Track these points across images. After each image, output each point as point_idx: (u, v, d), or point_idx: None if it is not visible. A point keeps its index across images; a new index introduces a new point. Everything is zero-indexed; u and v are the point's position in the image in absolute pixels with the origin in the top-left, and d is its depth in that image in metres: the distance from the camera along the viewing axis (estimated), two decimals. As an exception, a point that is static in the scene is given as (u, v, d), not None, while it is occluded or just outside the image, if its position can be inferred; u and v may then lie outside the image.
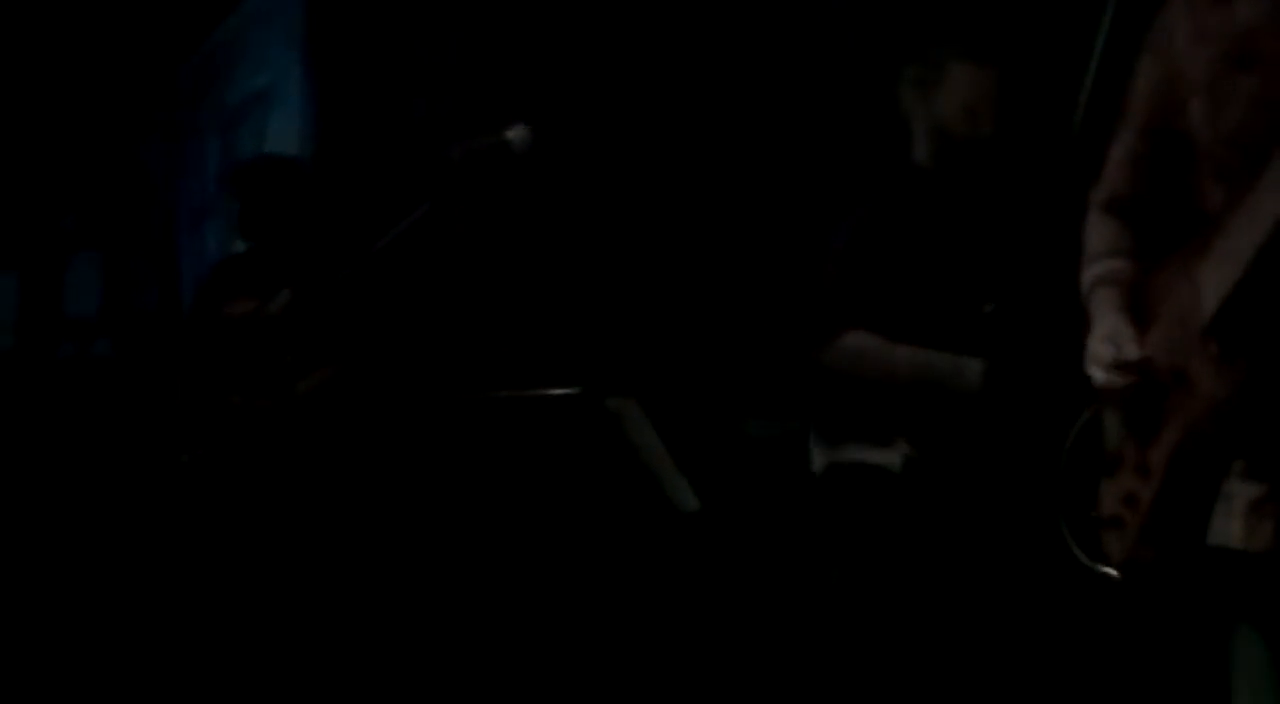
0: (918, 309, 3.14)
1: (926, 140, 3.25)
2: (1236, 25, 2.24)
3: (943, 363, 3.10)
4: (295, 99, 5.49)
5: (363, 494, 3.78)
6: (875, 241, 3.19)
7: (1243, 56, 2.22)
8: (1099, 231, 2.49)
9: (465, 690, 3.56)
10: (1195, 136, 2.30)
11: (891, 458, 3.13)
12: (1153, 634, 2.92)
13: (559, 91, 4.55)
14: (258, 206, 4.05)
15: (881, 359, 3.15)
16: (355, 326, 3.92)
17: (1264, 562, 2.19)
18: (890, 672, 3.08)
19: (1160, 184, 2.39)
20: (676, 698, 3.57)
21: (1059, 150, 2.53)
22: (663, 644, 3.56)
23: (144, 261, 6.91)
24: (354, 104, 5.20)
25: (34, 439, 5.37)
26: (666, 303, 4.35)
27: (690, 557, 3.59)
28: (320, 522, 3.73)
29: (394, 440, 3.91)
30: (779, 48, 4.28)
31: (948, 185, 3.21)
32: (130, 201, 6.95)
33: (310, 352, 3.85)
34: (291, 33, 5.55)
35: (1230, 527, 2.19)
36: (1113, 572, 2.30)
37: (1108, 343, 2.31)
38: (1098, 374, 2.31)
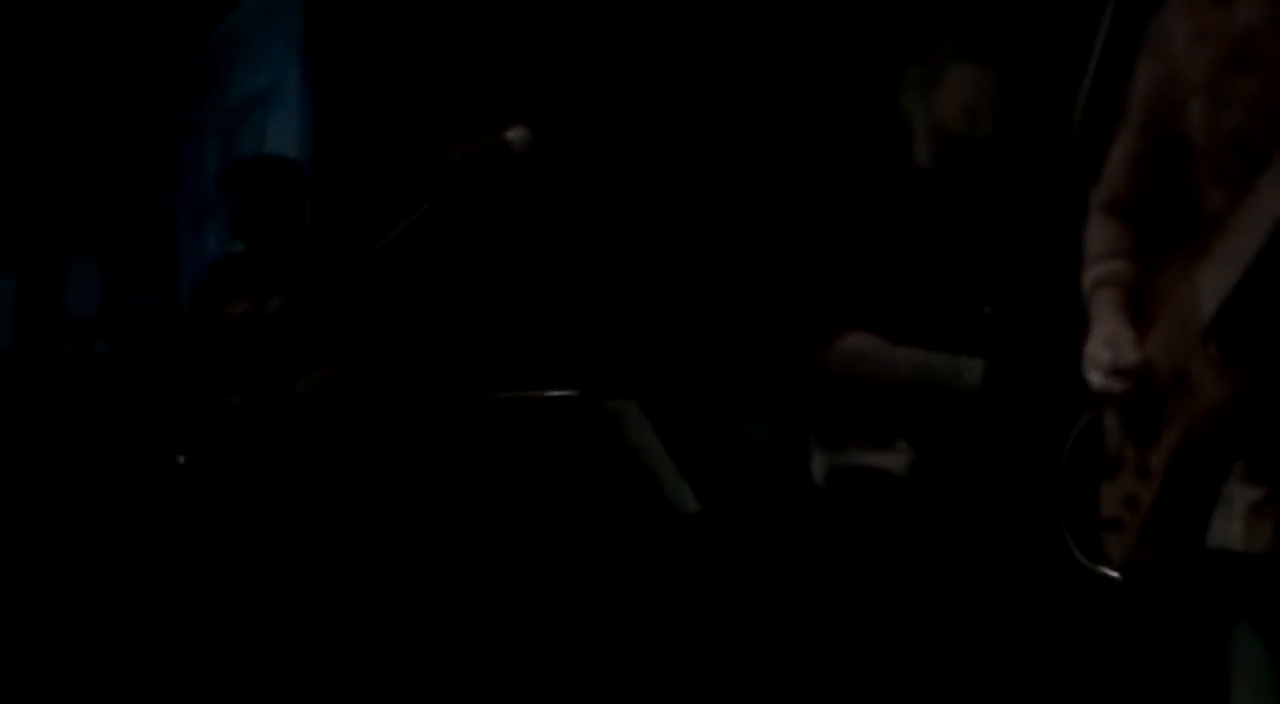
0: (917, 310, 3.14)
1: (927, 141, 3.25)
2: (1236, 27, 2.24)
3: (942, 363, 3.10)
4: (295, 99, 5.48)
5: (361, 495, 3.78)
6: (875, 242, 3.19)
7: (1242, 58, 2.22)
8: (1099, 233, 2.49)
9: (465, 691, 3.56)
10: (1194, 138, 2.30)
11: (894, 461, 3.13)
12: (1153, 635, 2.92)
13: (559, 92, 4.54)
14: (253, 207, 4.04)
15: (881, 360, 3.15)
16: (352, 327, 3.91)
17: (1264, 564, 2.19)
18: (890, 671, 3.08)
19: (1160, 185, 2.39)
20: (677, 699, 3.57)
21: (1058, 151, 2.52)
22: (663, 646, 3.55)
23: (144, 261, 6.90)
24: (354, 104, 5.19)
25: (33, 439, 5.37)
26: (666, 304, 4.35)
27: (690, 558, 3.58)
28: (318, 523, 3.73)
29: (393, 442, 3.91)
30: (779, 49, 4.28)
31: (948, 186, 3.21)
32: (130, 202, 6.95)
33: (309, 351, 3.85)
34: (291, 33, 5.54)
35: (1230, 529, 2.19)
36: (1113, 573, 2.30)
37: (1106, 347, 2.31)
38: (1095, 378, 2.31)
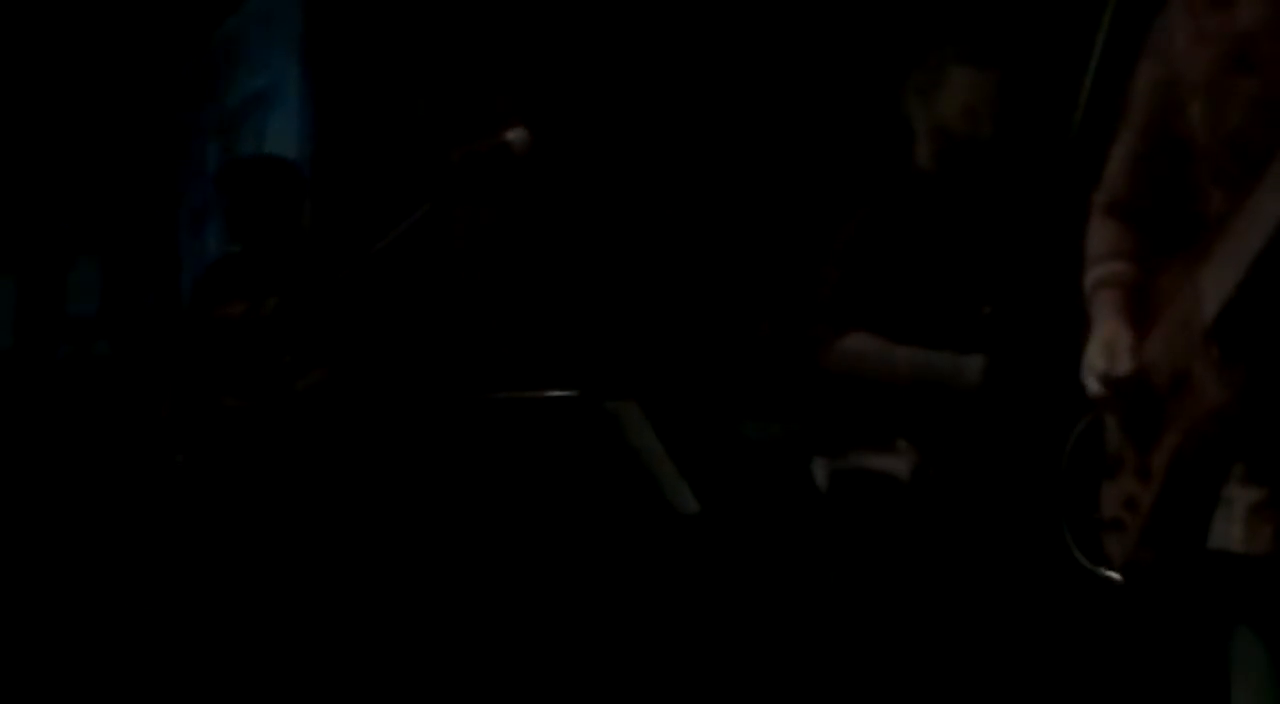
0: (918, 310, 3.14)
1: (928, 142, 3.25)
2: (1237, 27, 2.24)
3: (943, 362, 3.10)
4: (295, 100, 5.48)
5: (359, 496, 3.78)
6: (876, 243, 3.19)
7: (1243, 59, 2.22)
8: (1100, 234, 2.49)
9: (465, 693, 3.56)
10: (1195, 139, 2.29)
11: (897, 464, 3.13)
12: (1153, 637, 2.92)
13: (559, 93, 4.54)
14: (248, 207, 4.04)
15: (882, 359, 3.16)
16: (350, 327, 3.91)
17: (1264, 565, 2.19)
18: (890, 672, 3.08)
19: (1161, 186, 2.39)
20: (678, 700, 3.57)
21: (1058, 152, 2.52)
22: (663, 647, 3.55)
23: (144, 261, 6.90)
24: (354, 105, 5.19)
25: (33, 439, 5.37)
26: (666, 305, 4.35)
27: (690, 559, 3.58)
28: (315, 524, 3.72)
29: (391, 442, 3.91)
30: (780, 49, 4.28)
31: (949, 188, 3.21)
32: (130, 202, 6.95)
33: (308, 351, 3.84)
34: (291, 34, 5.54)
35: (1231, 530, 2.19)
36: (1114, 574, 2.30)
37: (1102, 353, 2.31)
38: (1091, 384, 2.32)
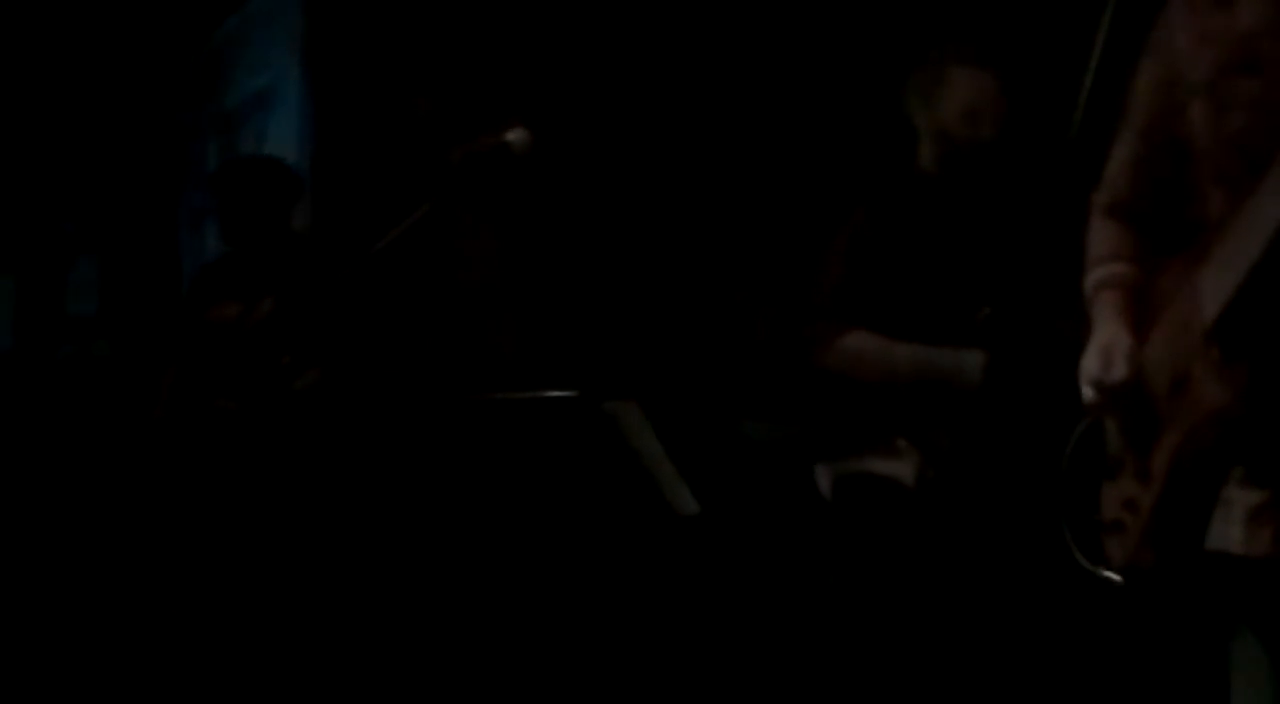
0: (917, 311, 3.14)
1: (929, 144, 3.25)
2: (1238, 28, 2.24)
3: (943, 359, 3.10)
4: (295, 100, 5.48)
5: (356, 497, 3.78)
6: (877, 243, 3.20)
7: (1244, 60, 2.22)
8: (1101, 235, 2.48)
9: (463, 694, 3.56)
10: (1196, 140, 2.29)
11: (901, 469, 3.12)
12: (1153, 638, 2.92)
13: (559, 93, 4.54)
14: (241, 208, 4.03)
15: (881, 358, 3.16)
16: (346, 328, 3.90)
17: (1264, 567, 2.19)
18: (889, 672, 3.07)
19: (1162, 187, 2.39)
20: (677, 701, 3.57)
21: (1058, 152, 2.52)
22: (662, 648, 3.55)
23: (144, 261, 6.90)
24: (354, 105, 5.19)
25: (33, 439, 5.37)
26: (665, 305, 4.35)
27: (689, 560, 3.58)
28: (312, 525, 3.72)
29: (388, 443, 3.90)
30: (780, 50, 4.28)
31: (950, 189, 3.21)
32: (130, 202, 6.95)
33: (306, 352, 3.84)
34: (291, 34, 5.54)
35: (1230, 532, 2.19)
36: (1114, 575, 2.30)
37: (1098, 358, 2.31)
38: (1086, 391, 2.32)
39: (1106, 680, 3.05)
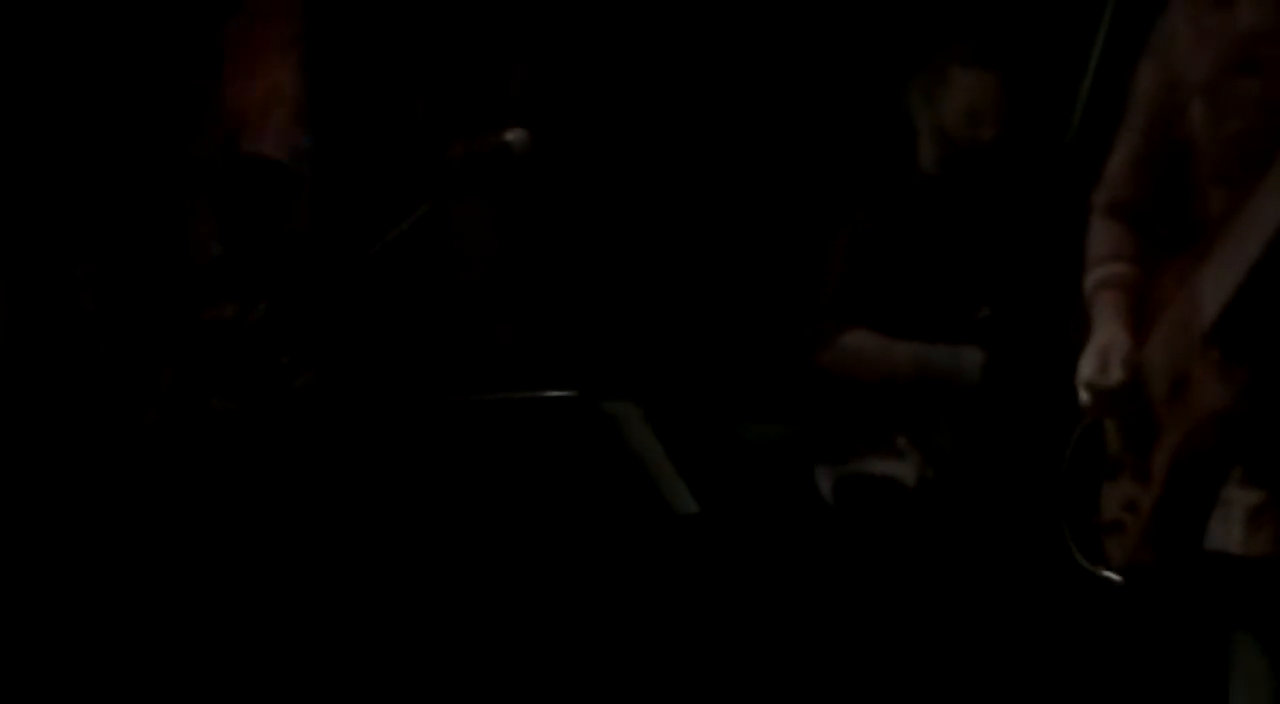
0: (916, 311, 3.15)
1: (931, 145, 3.25)
2: (1238, 29, 2.24)
3: (942, 357, 3.10)
4: (294, 100, 5.48)
5: (353, 498, 3.77)
6: (878, 244, 3.20)
7: (1244, 60, 2.22)
8: (1101, 235, 2.49)
9: (462, 695, 3.56)
10: (1196, 140, 2.29)
11: (901, 469, 3.13)
12: (1153, 638, 2.92)
13: (559, 93, 4.54)
14: (235, 208, 4.03)
15: (881, 356, 3.17)
16: (341, 328, 3.90)
17: (1263, 567, 2.19)
18: (888, 672, 3.08)
19: (1162, 187, 2.39)
20: (676, 702, 3.57)
21: (1058, 153, 2.52)
22: (661, 648, 3.55)
23: (144, 262, 6.89)
24: (353, 105, 5.19)
25: (32, 440, 5.36)
26: (665, 306, 4.35)
27: (688, 561, 3.58)
28: (307, 527, 3.72)
29: (386, 443, 3.90)
30: (781, 50, 4.28)
31: (951, 191, 3.21)
32: (131, 202, 6.94)
33: (303, 352, 3.83)
34: (291, 33, 5.54)
35: (1230, 532, 2.19)
36: (1114, 575, 2.30)
37: (1094, 360, 2.31)
38: (1081, 394, 2.32)
39: (1106, 680, 3.05)
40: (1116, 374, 2.27)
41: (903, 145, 3.31)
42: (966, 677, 3.01)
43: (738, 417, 4.01)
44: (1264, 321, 2.11)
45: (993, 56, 3.23)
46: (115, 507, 4.18)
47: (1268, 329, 2.11)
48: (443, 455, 3.55)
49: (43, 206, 6.42)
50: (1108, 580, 2.31)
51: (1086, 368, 2.32)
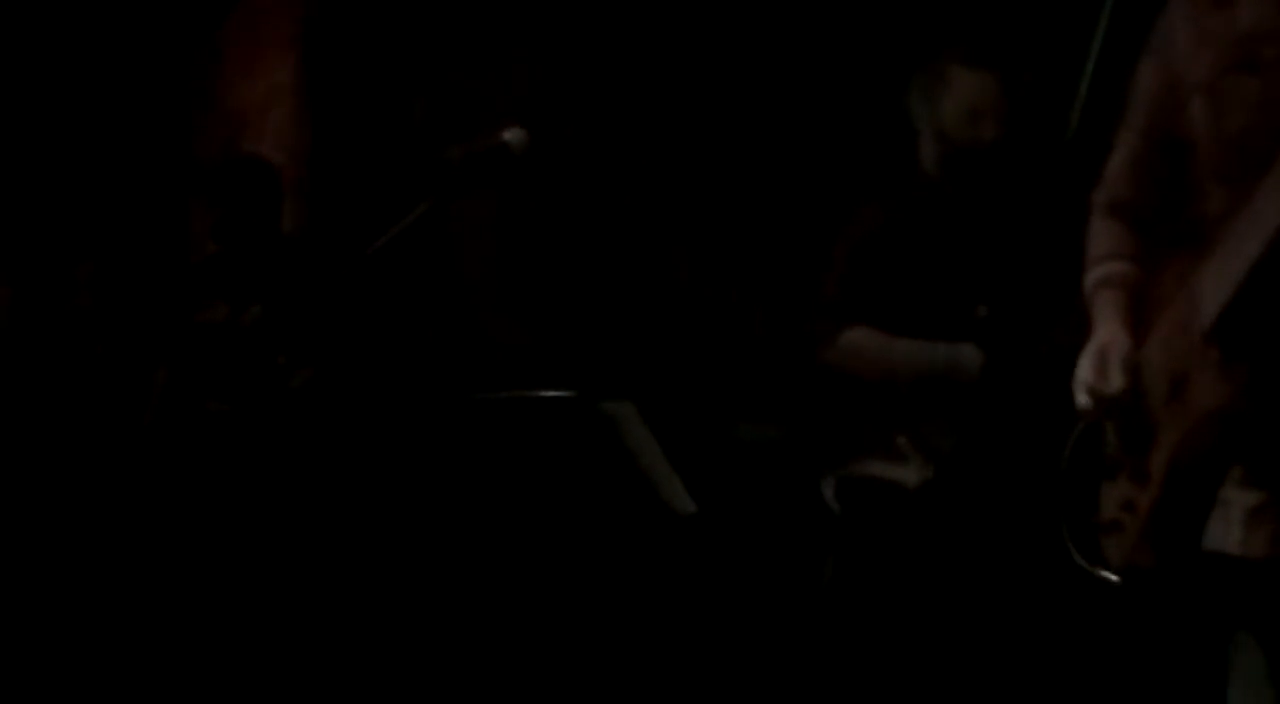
0: (916, 310, 3.15)
1: (931, 145, 3.25)
2: (1238, 28, 2.24)
3: (941, 355, 3.11)
4: (293, 100, 5.48)
5: (351, 498, 3.77)
6: (879, 244, 3.21)
7: (1245, 60, 2.22)
8: (1101, 234, 2.48)
9: (460, 695, 3.55)
10: (1197, 139, 2.29)
11: (902, 472, 3.13)
12: (1151, 639, 2.92)
13: (558, 93, 4.54)
14: (232, 209, 4.03)
15: (881, 354, 3.18)
16: (338, 327, 3.90)
17: (1262, 568, 2.18)
18: (888, 671, 3.08)
19: (1162, 187, 2.39)
20: (675, 702, 3.57)
21: (1057, 153, 2.52)
22: (659, 649, 3.55)
23: (144, 262, 6.90)
24: (352, 105, 5.19)
25: (32, 440, 5.36)
26: (663, 305, 4.35)
27: (686, 561, 3.58)
28: (304, 528, 3.71)
29: (382, 443, 3.90)
30: (782, 50, 4.28)
31: (951, 191, 3.21)
32: (130, 203, 6.95)
33: (300, 351, 3.83)
34: (291, 33, 5.54)
35: (1229, 533, 2.19)
36: (1112, 576, 2.30)
37: (1093, 363, 2.30)
38: (1079, 396, 2.31)
39: (1105, 680, 3.05)
40: (1118, 381, 2.27)
41: (903, 145, 3.31)
42: (966, 677, 3.00)
43: (735, 417, 4.01)
44: (1264, 321, 2.11)
45: (993, 56, 3.23)
46: (112, 507, 4.18)
47: (1267, 329, 2.11)
48: (441, 455, 3.55)
49: (43, 206, 6.43)
50: (1106, 581, 2.31)
51: (1086, 370, 2.31)
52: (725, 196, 4.34)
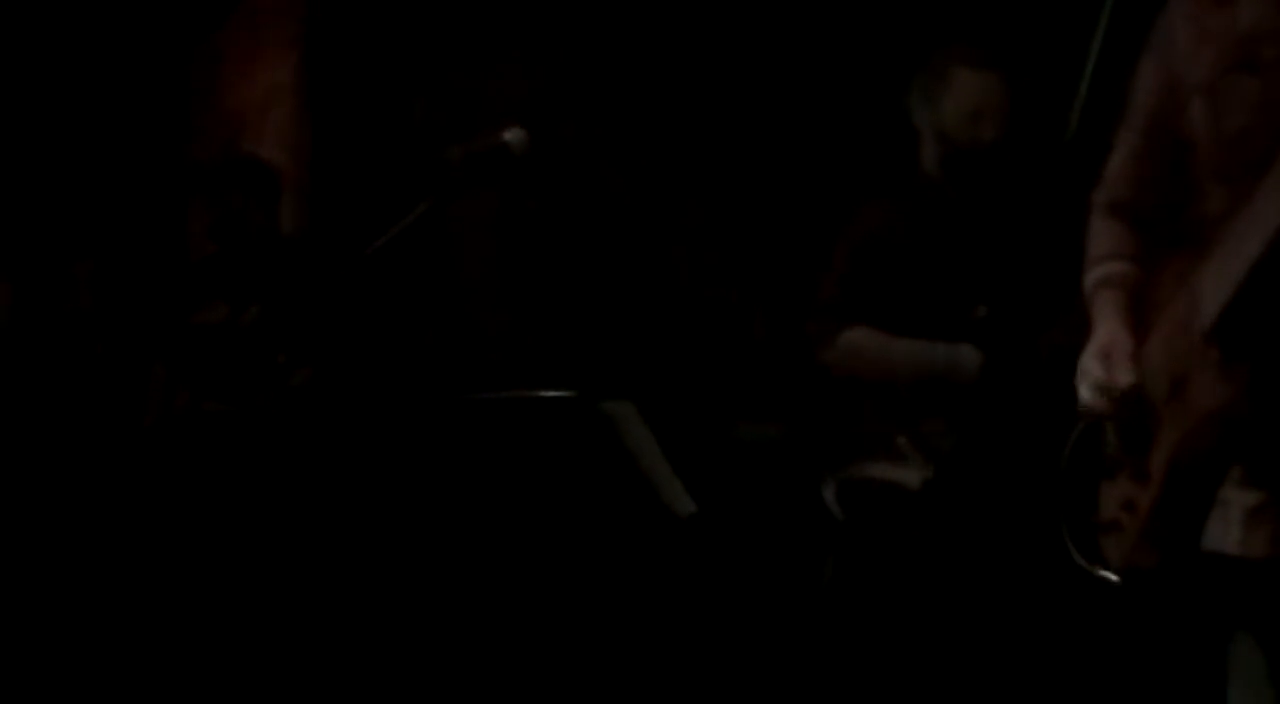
0: (915, 310, 3.15)
1: (932, 145, 3.25)
2: (1239, 28, 2.24)
3: (941, 354, 3.11)
4: (294, 100, 5.48)
5: (349, 498, 3.77)
6: (880, 244, 3.21)
7: (1245, 59, 2.22)
8: (1101, 234, 2.48)
9: (459, 696, 3.55)
10: (1197, 139, 2.29)
11: (903, 473, 3.13)
12: (1151, 638, 2.92)
13: (558, 93, 4.54)
14: (230, 209, 4.03)
15: (881, 352, 3.18)
16: (338, 327, 3.90)
17: (1262, 568, 2.18)
18: (888, 671, 3.07)
19: (1162, 186, 2.39)
20: (675, 702, 3.57)
21: (1057, 152, 2.52)
22: (659, 649, 3.55)
23: (144, 262, 6.89)
24: (352, 105, 5.19)
25: (32, 441, 5.36)
26: (663, 305, 4.35)
27: (686, 561, 3.58)
28: (304, 527, 3.71)
29: (381, 443, 3.90)
30: (783, 51, 4.28)
31: (952, 192, 3.21)
32: (130, 203, 6.94)
33: (299, 351, 3.83)
34: (291, 33, 5.54)
35: (1228, 533, 2.19)
36: (1112, 575, 2.30)
37: (1100, 360, 2.30)
38: (1084, 394, 2.31)
39: (1104, 680, 3.05)
40: (1126, 377, 2.27)
41: (904, 145, 3.31)
42: (966, 677, 3.00)
43: (735, 417, 4.01)
44: (1264, 321, 2.11)
45: (993, 56, 3.24)
46: (111, 508, 4.17)
47: (1267, 329, 2.11)
48: (440, 455, 3.55)
49: (42, 206, 6.42)
50: (1106, 581, 2.31)
51: (1094, 368, 2.31)
52: (725, 197, 4.34)
